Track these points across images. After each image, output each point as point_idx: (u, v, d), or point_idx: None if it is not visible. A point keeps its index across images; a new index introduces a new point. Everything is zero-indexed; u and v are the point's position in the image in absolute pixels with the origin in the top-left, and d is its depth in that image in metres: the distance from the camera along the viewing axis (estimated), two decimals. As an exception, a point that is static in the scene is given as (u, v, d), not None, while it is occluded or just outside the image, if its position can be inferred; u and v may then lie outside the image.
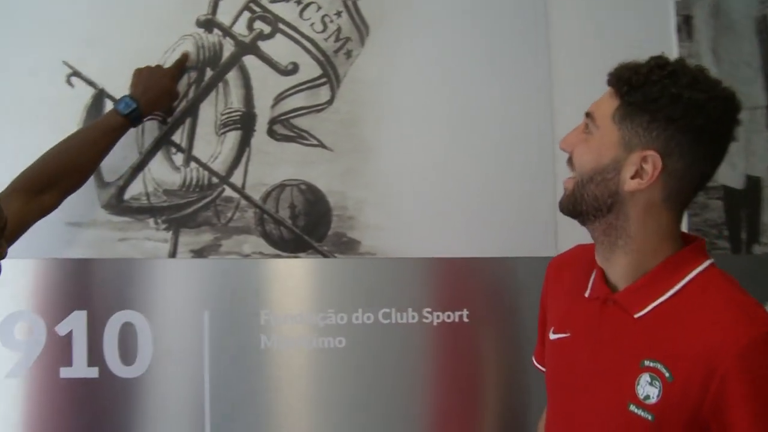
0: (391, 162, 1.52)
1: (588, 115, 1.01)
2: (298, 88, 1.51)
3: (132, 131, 1.43)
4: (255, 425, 1.44)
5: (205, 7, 1.49)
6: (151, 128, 1.47)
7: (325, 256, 1.49)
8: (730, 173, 1.64)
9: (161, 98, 1.41)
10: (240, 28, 1.50)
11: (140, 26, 1.47)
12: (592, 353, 1.00)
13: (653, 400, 0.91)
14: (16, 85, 1.43)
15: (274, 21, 1.51)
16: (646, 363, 0.93)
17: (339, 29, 1.53)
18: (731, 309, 0.90)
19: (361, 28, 1.54)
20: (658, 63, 0.96)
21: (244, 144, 1.49)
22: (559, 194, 1.05)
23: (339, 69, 1.52)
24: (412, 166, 1.53)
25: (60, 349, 1.40)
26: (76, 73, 1.45)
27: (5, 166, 1.28)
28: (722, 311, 0.90)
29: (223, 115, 1.49)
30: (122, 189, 1.46)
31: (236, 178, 1.48)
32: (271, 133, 1.50)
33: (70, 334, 1.41)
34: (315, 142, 1.51)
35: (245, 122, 1.49)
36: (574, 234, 1.12)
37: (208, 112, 1.49)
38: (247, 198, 1.48)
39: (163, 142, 1.47)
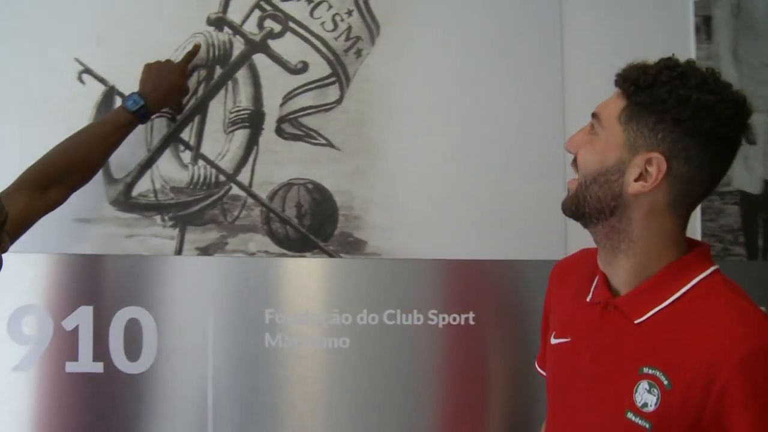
0: (399, 162, 1.51)
1: (594, 115, 0.99)
2: (307, 87, 1.51)
3: (141, 128, 1.44)
4: (257, 423, 1.44)
5: (216, 5, 1.50)
6: (159, 125, 1.48)
7: (330, 255, 1.49)
8: (747, 178, 1.60)
9: (170, 95, 1.42)
10: (250, 27, 1.51)
11: (151, 24, 1.48)
12: (591, 359, 0.98)
13: (651, 408, 0.89)
14: (27, 82, 1.45)
15: (284, 19, 1.51)
16: (645, 370, 0.91)
17: (349, 28, 1.52)
18: (733, 317, 0.88)
19: (372, 27, 1.53)
20: (668, 64, 0.94)
21: (252, 142, 1.49)
22: (568, 197, 1.03)
23: (349, 68, 1.52)
24: (420, 166, 1.52)
25: (66, 344, 1.42)
26: (87, 71, 1.46)
27: (16, 162, 1.29)
28: (724, 319, 0.88)
29: (231, 113, 1.49)
30: (130, 186, 1.47)
31: (243, 176, 1.48)
32: (279, 131, 1.50)
33: (76, 329, 1.42)
34: (323, 142, 1.50)
35: (253, 121, 1.49)
36: (584, 237, 1.09)
37: (217, 110, 1.49)
38: (254, 196, 1.48)
39: (171, 139, 1.48)
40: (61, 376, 1.42)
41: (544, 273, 1.22)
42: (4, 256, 1.05)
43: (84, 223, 1.45)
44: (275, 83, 1.50)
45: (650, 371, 0.90)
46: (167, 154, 1.48)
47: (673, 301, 0.93)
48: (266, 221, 1.48)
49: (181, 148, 1.48)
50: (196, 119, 1.49)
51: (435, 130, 1.53)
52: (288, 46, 1.51)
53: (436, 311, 1.48)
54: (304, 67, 1.51)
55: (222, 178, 1.48)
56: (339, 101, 1.51)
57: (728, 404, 0.84)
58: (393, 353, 1.47)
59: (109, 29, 1.47)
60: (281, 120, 1.50)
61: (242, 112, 1.49)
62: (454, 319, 1.48)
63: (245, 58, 1.50)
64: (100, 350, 1.42)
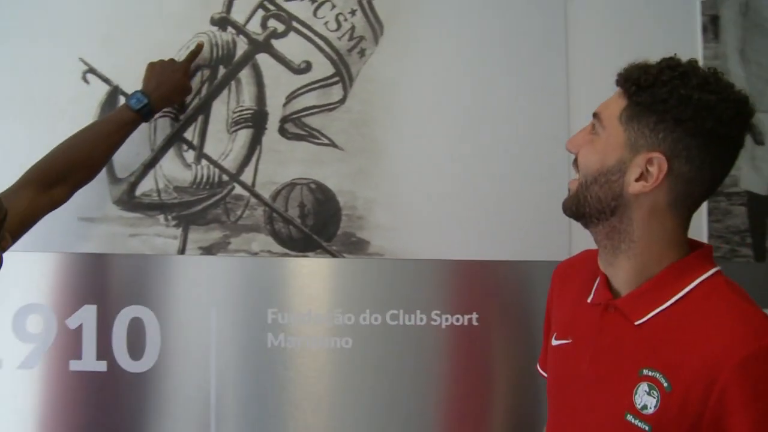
0: (403, 162, 1.51)
1: (595, 115, 0.99)
2: (310, 87, 1.51)
3: (144, 128, 1.44)
4: (260, 422, 1.44)
5: (219, 5, 1.50)
6: (163, 125, 1.48)
7: (333, 255, 1.48)
8: (754, 178, 1.59)
9: (173, 93, 1.42)
10: (254, 26, 1.51)
11: (155, 24, 1.48)
12: (591, 360, 0.98)
13: (651, 410, 0.88)
14: (32, 82, 1.46)
15: (287, 19, 1.51)
16: (645, 372, 0.90)
17: (353, 28, 1.52)
18: (734, 319, 0.87)
19: (376, 26, 1.52)
20: (669, 64, 0.93)
21: (255, 142, 1.49)
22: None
23: (352, 68, 1.52)
24: (423, 166, 1.51)
25: (70, 343, 1.43)
26: (91, 70, 1.47)
27: (22, 161, 1.29)
28: (725, 321, 0.87)
29: (234, 113, 1.49)
30: (134, 185, 1.47)
31: (246, 176, 1.48)
32: (282, 131, 1.50)
33: (80, 328, 1.43)
34: (326, 141, 1.50)
35: (257, 120, 1.49)
36: (588, 238, 1.07)
37: (220, 110, 1.49)
38: (257, 196, 1.48)
39: (174, 139, 1.48)
40: (64, 375, 1.42)
41: (547, 274, 1.21)
42: (9, 254, 1.06)
43: (88, 223, 1.46)
44: (278, 83, 1.50)
45: (650, 373, 0.89)
46: (170, 153, 1.48)
47: (674, 303, 0.92)
48: (269, 221, 1.48)
49: (185, 147, 1.48)
50: (200, 119, 1.49)
51: (438, 131, 1.52)
52: (291, 46, 1.51)
53: (439, 312, 1.47)
54: (307, 67, 1.51)
55: (225, 177, 1.48)
56: (342, 101, 1.51)
57: (728, 406, 0.83)
58: (396, 354, 1.46)
59: (113, 29, 1.47)
60: (284, 120, 1.50)
61: (245, 112, 1.49)
62: (458, 320, 1.48)
63: (248, 58, 1.50)
64: (104, 349, 1.43)
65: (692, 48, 1.60)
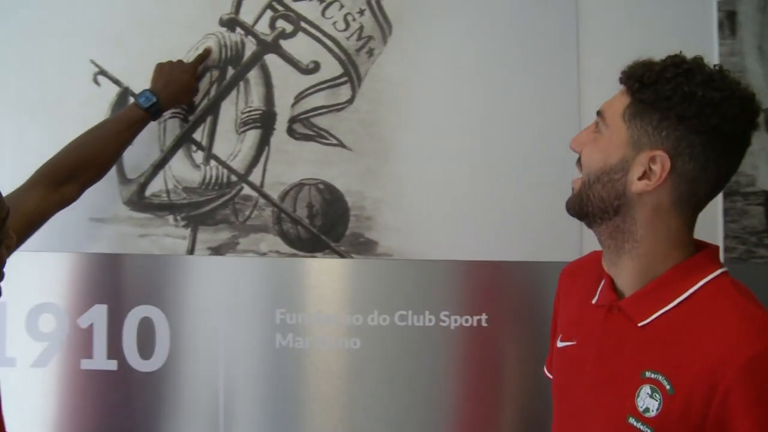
0: (411, 162, 1.50)
1: (599, 113, 0.98)
2: (318, 87, 1.50)
3: (154, 129, 1.45)
4: (268, 421, 1.45)
5: (228, 6, 1.50)
6: (172, 126, 1.49)
7: (341, 256, 1.48)
8: (772, 178, 1.55)
9: (181, 93, 1.43)
10: (262, 27, 1.51)
11: (164, 26, 1.49)
12: (595, 362, 0.96)
13: (653, 413, 0.86)
14: (43, 84, 1.48)
15: (296, 20, 1.51)
16: (647, 374, 0.88)
17: (361, 28, 1.52)
18: (739, 320, 0.85)
19: (384, 26, 1.52)
20: (674, 61, 0.92)
21: (263, 142, 1.49)
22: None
23: (360, 68, 1.51)
24: (432, 167, 1.50)
25: (81, 342, 1.44)
26: (102, 72, 1.49)
27: (33, 163, 1.30)
28: (730, 321, 0.85)
29: (243, 113, 1.50)
30: (143, 186, 1.48)
31: (255, 176, 1.49)
32: (290, 131, 1.50)
33: (91, 327, 1.45)
34: (334, 142, 1.50)
35: (265, 121, 1.50)
36: (599, 238, 1.06)
37: (229, 111, 1.50)
38: (266, 196, 1.49)
39: (184, 140, 1.49)
40: (76, 373, 1.44)
41: (558, 275, 1.19)
42: (23, 254, 1.07)
43: (99, 223, 1.47)
44: (287, 83, 1.50)
45: (652, 375, 0.88)
46: (180, 154, 1.49)
47: (679, 304, 0.90)
48: (277, 221, 1.49)
49: (194, 148, 1.49)
50: (208, 120, 1.50)
51: (447, 130, 1.51)
52: (300, 46, 1.51)
53: (448, 312, 1.46)
54: (315, 67, 1.51)
55: (234, 178, 1.49)
56: (350, 101, 1.51)
57: (732, 408, 0.81)
58: (404, 354, 1.46)
59: (123, 31, 1.49)
60: (293, 120, 1.50)
61: (254, 113, 1.50)
62: (467, 321, 1.47)
63: (257, 59, 1.50)
64: (114, 348, 1.44)
65: (708, 45, 1.56)
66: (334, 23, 1.52)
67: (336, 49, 1.51)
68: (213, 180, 1.49)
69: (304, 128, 1.50)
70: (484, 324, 1.47)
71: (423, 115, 1.51)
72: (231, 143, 1.49)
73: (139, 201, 1.48)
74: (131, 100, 1.47)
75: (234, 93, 1.50)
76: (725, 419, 0.82)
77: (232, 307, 1.45)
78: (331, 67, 1.51)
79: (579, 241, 1.48)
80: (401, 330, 1.46)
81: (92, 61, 1.48)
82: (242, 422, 1.44)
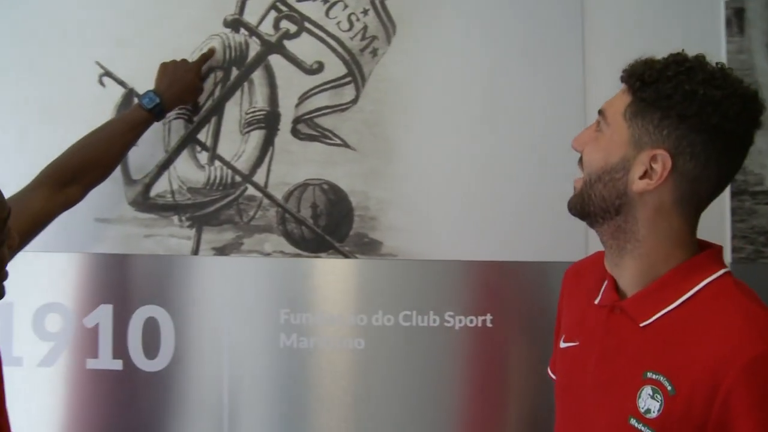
0: (416, 162, 1.49)
1: (600, 112, 0.97)
2: (322, 87, 1.50)
3: (158, 130, 1.46)
4: (272, 421, 1.45)
5: (232, 7, 1.51)
6: (176, 127, 1.50)
7: (346, 256, 1.48)
8: (780, 177, 1.53)
9: (185, 93, 1.44)
10: (266, 28, 1.51)
11: (169, 27, 1.50)
12: (596, 363, 0.95)
13: (654, 414, 0.86)
14: (49, 85, 1.49)
15: (300, 20, 1.51)
16: (649, 375, 0.87)
17: (365, 28, 1.51)
18: (742, 320, 0.84)
19: (388, 26, 1.52)
20: (676, 59, 0.91)
21: (267, 143, 1.50)
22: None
23: (364, 68, 1.51)
24: (436, 167, 1.50)
25: (87, 341, 1.45)
26: (107, 74, 1.50)
27: (37, 164, 1.31)
28: (732, 322, 0.84)
29: (247, 114, 1.50)
30: (148, 186, 1.49)
31: (259, 176, 1.49)
32: (294, 132, 1.50)
33: (96, 327, 1.45)
34: (338, 142, 1.50)
35: (269, 121, 1.50)
36: (604, 239, 1.05)
37: (233, 111, 1.50)
38: (270, 197, 1.49)
39: (188, 140, 1.50)
40: (81, 373, 1.45)
41: (563, 275, 1.19)
42: (29, 254, 1.08)
43: (104, 223, 1.48)
44: (291, 84, 1.50)
45: (654, 376, 0.87)
46: (184, 155, 1.50)
47: (681, 304, 0.89)
48: (282, 222, 1.49)
49: (198, 149, 1.50)
50: (213, 120, 1.50)
51: (452, 130, 1.50)
52: (304, 47, 1.51)
53: (452, 313, 1.46)
54: (319, 68, 1.51)
55: (238, 178, 1.49)
56: (355, 101, 1.50)
57: (734, 409, 0.80)
58: (408, 355, 1.45)
59: (128, 33, 1.50)
60: (297, 120, 1.50)
61: (258, 113, 1.50)
62: (471, 321, 1.46)
63: (261, 59, 1.51)
64: (120, 348, 1.45)
65: (715, 43, 1.55)
66: (338, 23, 1.52)
67: (340, 50, 1.51)
68: (217, 180, 1.49)
69: (308, 128, 1.50)
70: (488, 324, 1.46)
71: (427, 115, 1.50)
72: (235, 144, 1.50)
73: (144, 201, 1.49)
74: (136, 101, 1.48)
75: (238, 93, 1.50)
76: (727, 420, 0.81)
77: (236, 307, 1.45)
78: (335, 68, 1.51)
79: (584, 241, 1.47)
80: (405, 330, 1.45)
81: (97, 63, 1.49)
82: (246, 421, 1.44)
